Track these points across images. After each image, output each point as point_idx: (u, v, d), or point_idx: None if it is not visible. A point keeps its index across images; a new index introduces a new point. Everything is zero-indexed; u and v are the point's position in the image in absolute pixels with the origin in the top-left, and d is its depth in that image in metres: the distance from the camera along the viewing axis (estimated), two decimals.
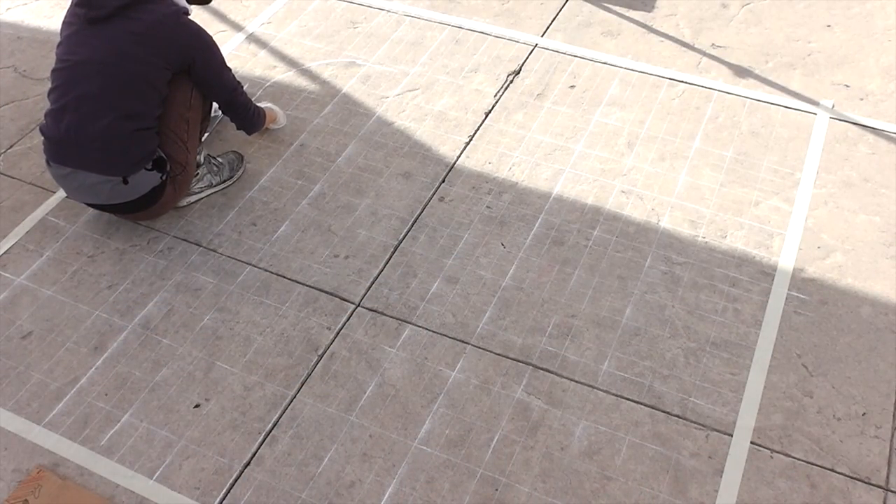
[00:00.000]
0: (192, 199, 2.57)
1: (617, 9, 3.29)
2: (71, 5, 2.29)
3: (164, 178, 2.34)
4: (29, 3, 3.49)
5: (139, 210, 2.40)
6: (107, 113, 2.21)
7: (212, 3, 3.44)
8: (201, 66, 2.36)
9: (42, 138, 2.31)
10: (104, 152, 2.24)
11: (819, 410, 2.00)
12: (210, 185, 2.58)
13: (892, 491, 1.85)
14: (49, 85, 2.30)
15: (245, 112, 2.56)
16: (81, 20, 2.23)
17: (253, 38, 3.24)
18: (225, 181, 2.61)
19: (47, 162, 2.33)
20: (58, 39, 2.32)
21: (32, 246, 2.49)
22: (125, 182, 2.27)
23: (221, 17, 3.37)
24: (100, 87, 2.21)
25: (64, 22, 2.31)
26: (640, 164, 2.63)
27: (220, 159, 2.61)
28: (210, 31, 3.28)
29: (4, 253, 2.47)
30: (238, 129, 2.63)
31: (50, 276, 2.40)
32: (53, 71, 2.29)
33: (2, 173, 2.74)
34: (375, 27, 3.25)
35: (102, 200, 2.34)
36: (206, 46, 2.38)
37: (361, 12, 3.34)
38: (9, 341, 2.24)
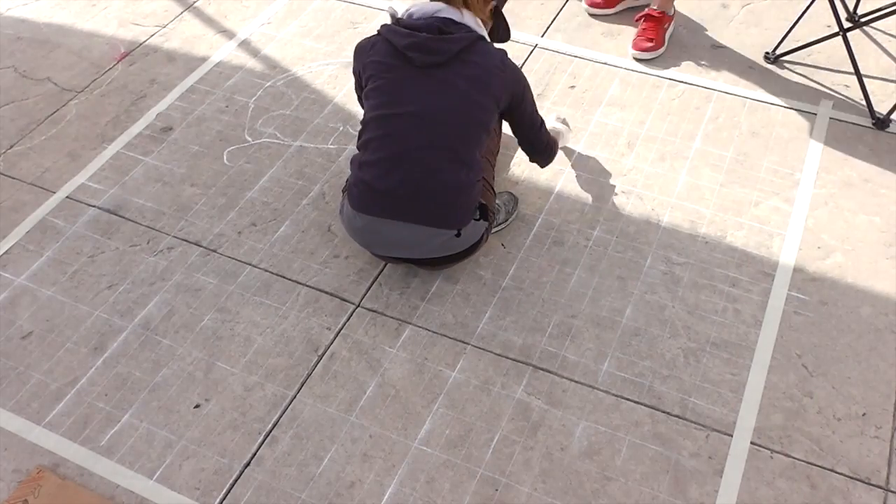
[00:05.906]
0: None
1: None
2: (384, 42, 2.10)
3: (488, 226, 2.21)
4: (29, 4, 3.49)
5: (453, 262, 2.26)
6: (450, 164, 2.05)
7: (212, 3, 3.45)
8: (519, 104, 2.19)
9: (353, 188, 2.13)
10: (443, 206, 2.08)
11: (819, 410, 2.00)
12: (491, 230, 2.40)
13: (892, 491, 1.85)
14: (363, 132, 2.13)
15: (545, 148, 2.38)
16: (412, 65, 2.04)
17: (253, 39, 3.24)
18: (500, 224, 2.42)
19: (354, 213, 2.14)
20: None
21: (32, 246, 2.49)
22: (458, 235, 2.12)
23: (222, 17, 3.37)
24: (444, 136, 2.04)
25: (373, 60, 2.11)
26: (640, 164, 2.63)
27: (497, 202, 2.39)
28: (210, 32, 3.31)
29: (4, 253, 2.47)
30: (531, 161, 2.42)
31: (50, 277, 2.40)
32: (378, 117, 2.09)
33: (2, 173, 2.74)
34: (375, 27, 3.24)
35: (426, 254, 2.18)
36: (526, 85, 2.21)
37: (361, 12, 3.34)
38: (9, 341, 2.24)
